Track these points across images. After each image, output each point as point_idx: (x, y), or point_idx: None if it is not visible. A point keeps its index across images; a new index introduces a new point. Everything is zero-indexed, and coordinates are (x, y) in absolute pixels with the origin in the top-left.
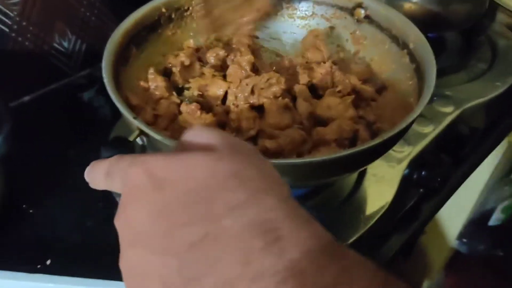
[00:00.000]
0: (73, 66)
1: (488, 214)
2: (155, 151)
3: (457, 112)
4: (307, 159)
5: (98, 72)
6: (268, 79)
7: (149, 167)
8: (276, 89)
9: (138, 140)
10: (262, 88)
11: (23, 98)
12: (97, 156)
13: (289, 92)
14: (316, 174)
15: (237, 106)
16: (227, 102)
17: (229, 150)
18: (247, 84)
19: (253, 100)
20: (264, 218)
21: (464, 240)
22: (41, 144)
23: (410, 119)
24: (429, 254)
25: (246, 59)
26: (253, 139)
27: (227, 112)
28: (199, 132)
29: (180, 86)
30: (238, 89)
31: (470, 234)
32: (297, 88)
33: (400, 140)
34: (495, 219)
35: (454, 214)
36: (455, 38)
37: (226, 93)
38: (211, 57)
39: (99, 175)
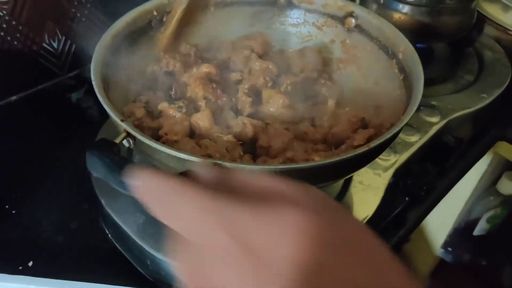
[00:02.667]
0: (62, 67)
1: (473, 223)
2: (142, 154)
3: (443, 122)
4: (292, 165)
5: (87, 73)
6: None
7: (237, 233)
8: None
9: (125, 142)
10: None
11: (11, 97)
12: (84, 159)
13: None
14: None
15: None
16: None
17: (321, 210)
18: None
19: None
20: None
21: (449, 249)
22: (27, 144)
23: (396, 128)
24: (414, 262)
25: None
26: None
27: None
28: (277, 180)
29: None
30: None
31: (455, 243)
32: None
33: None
34: (480, 228)
35: (439, 223)
36: (443, 49)
37: None
38: None
39: (143, 192)
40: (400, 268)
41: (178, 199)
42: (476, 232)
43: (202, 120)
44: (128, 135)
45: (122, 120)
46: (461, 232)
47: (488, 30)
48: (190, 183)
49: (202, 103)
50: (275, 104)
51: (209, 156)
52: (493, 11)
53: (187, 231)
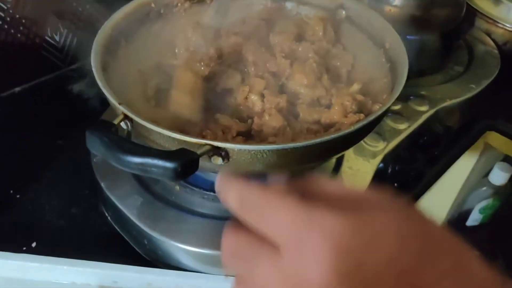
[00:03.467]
0: (63, 60)
1: (466, 214)
2: (139, 137)
3: (432, 111)
4: (275, 146)
5: (88, 66)
6: None
7: (331, 235)
8: None
9: (123, 125)
10: None
11: (14, 89)
12: (84, 148)
13: None
14: (288, 161)
15: None
16: None
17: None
18: None
19: None
20: None
21: None
22: (30, 133)
23: (379, 111)
24: None
25: None
26: None
27: None
28: (357, 189)
29: None
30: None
31: None
32: None
33: (376, 135)
34: (473, 219)
35: (433, 214)
36: (434, 41)
37: None
38: None
39: (231, 199)
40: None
41: (269, 207)
42: (469, 222)
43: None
44: (126, 117)
45: (119, 103)
46: (455, 223)
47: (479, 23)
48: (278, 192)
49: (252, 69)
50: (297, 83)
51: (202, 136)
52: (484, 5)
53: (278, 234)
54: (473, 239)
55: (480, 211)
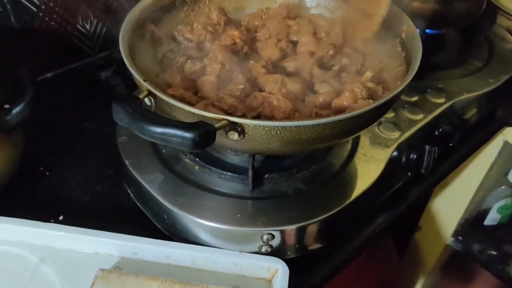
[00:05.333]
0: (93, 48)
1: (484, 213)
2: (162, 112)
3: (448, 104)
4: (294, 122)
5: (116, 54)
6: None
7: None
8: None
9: (147, 101)
10: None
11: (47, 74)
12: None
13: None
14: (301, 140)
15: None
16: None
17: None
18: None
19: None
20: None
21: (460, 238)
22: (60, 115)
23: (391, 95)
24: (424, 250)
25: None
26: None
27: None
28: None
29: None
30: None
31: (465, 232)
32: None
33: (391, 125)
34: (491, 219)
35: (450, 212)
36: (454, 37)
37: None
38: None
39: None
40: None
41: None
42: (487, 222)
43: (206, 83)
44: (149, 93)
45: (144, 80)
46: (472, 222)
47: (500, 20)
48: None
49: (216, 67)
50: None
51: (225, 111)
52: (506, 2)
53: None
54: (491, 239)
55: (499, 211)
